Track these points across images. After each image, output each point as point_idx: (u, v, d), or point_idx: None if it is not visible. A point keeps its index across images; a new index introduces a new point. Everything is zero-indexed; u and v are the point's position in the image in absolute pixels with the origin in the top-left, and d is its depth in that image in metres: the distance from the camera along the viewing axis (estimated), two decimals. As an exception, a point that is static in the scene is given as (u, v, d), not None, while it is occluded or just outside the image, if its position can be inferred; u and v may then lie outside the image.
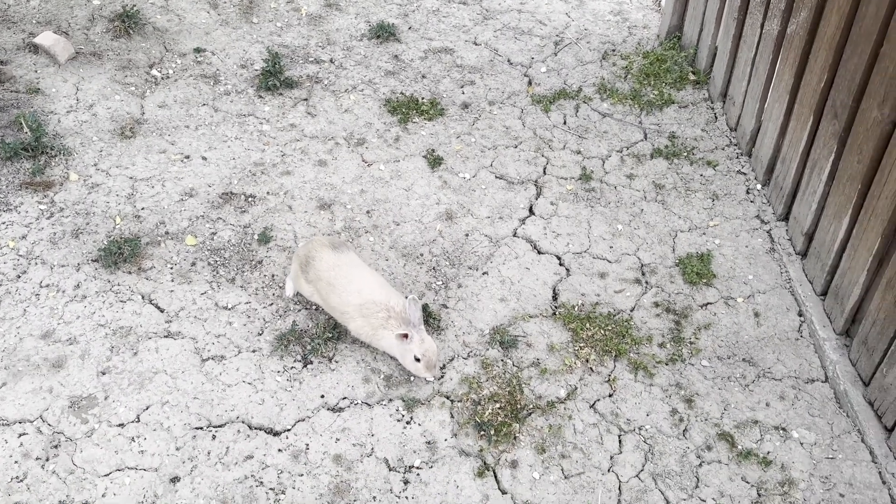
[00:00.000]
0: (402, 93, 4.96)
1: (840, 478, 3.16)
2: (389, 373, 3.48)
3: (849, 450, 3.24)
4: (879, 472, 3.15)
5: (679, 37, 5.24)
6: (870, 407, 3.29)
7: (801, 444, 3.27)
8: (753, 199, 4.31)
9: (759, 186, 4.34)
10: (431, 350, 3.31)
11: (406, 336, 3.26)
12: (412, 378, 3.47)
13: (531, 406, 3.38)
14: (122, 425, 3.24)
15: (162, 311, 3.67)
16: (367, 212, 4.23)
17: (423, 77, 5.11)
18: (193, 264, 3.89)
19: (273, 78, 4.89)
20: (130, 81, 4.88)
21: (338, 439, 3.25)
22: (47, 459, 3.12)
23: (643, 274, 3.97)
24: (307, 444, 3.22)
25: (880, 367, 3.20)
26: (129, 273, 3.81)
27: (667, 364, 3.57)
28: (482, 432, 3.26)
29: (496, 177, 4.47)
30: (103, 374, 3.41)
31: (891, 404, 3.16)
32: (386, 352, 3.48)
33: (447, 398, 3.41)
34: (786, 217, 4.11)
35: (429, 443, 3.25)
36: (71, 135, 4.48)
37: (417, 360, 3.32)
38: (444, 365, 3.52)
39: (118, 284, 3.76)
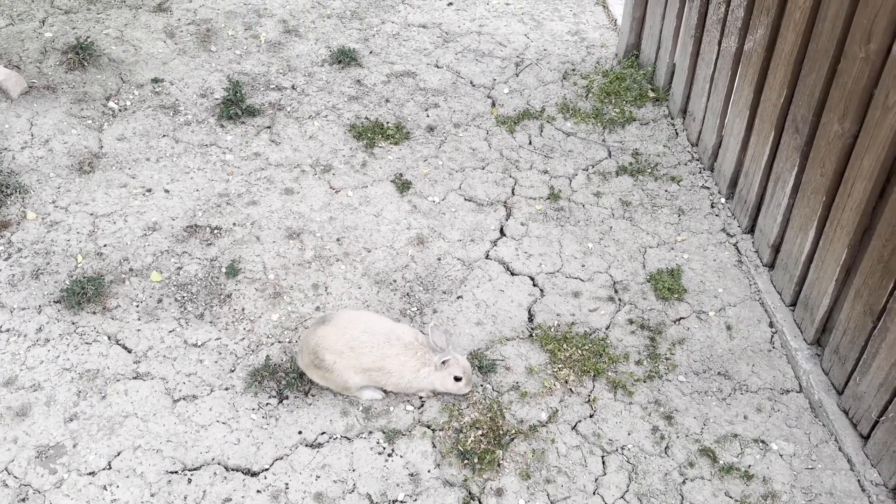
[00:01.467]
0: (366, 117, 4.93)
1: (821, 488, 3.19)
2: (368, 405, 3.43)
3: (827, 459, 3.28)
4: (858, 480, 3.20)
5: (637, 55, 5.32)
6: (845, 415, 3.34)
7: (781, 455, 3.30)
8: (718, 213, 4.38)
9: (723, 200, 4.41)
10: (467, 365, 3.38)
11: (445, 362, 3.30)
12: (391, 408, 3.42)
13: (513, 431, 3.35)
14: (92, 473, 3.12)
15: (129, 351, 3.56)
16: (338, 239, 4.18)
17: (387, 101, 5.09)
18: (160, 301, 3.79)
19: (234, 106, 4.82)
20: (87, 115, 4.76)
21: (318, 476, 3.17)
22: (14, 514, 2.99)
23: (616, 291, 3.99)
24: (287, 484, 3.15)
25: (853, 376, 3.26)
26: (94, 313, 3.69)
27: (645, 381, 3.58)
28: (466, 461, 3.22)
29: (465, 199, 4.46)
30: (71, 420, 3.29)
31: (865, 412, 3.21)
32: (423, 392, 3.42)
33: (428, 427, 3.36)
34: (751, 230, 4.18)
35: (412, 475, 3.20)
36: (27, 172, 4.35)
37: (458, 378, 3.34)
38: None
39: (83, 326, 3.64)
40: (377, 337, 3.29)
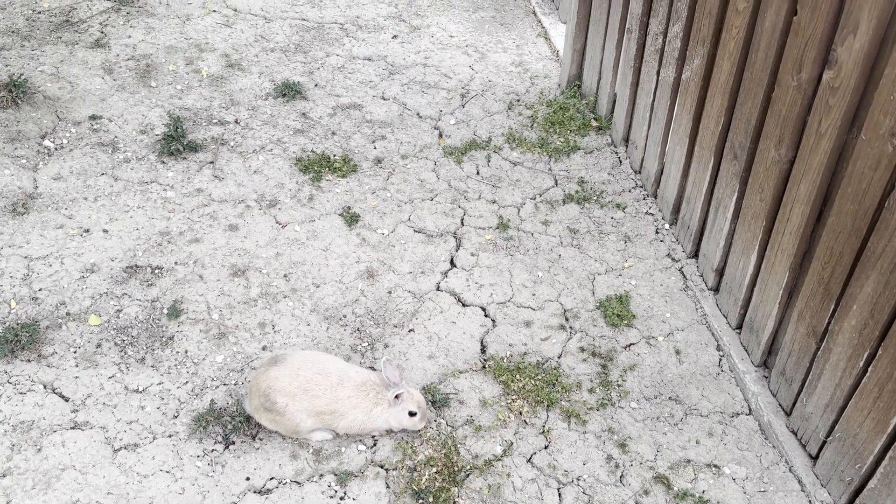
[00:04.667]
0: (312, 150, 4.89)
1: (773, 510, 3.22)
2: (318, 446, 3.34)
3: (779, 481, 3.31)
4: (809, 501, 3.23)
5: (579, 85, 5.41)
6: (794, 436, 3.39)
7: (734, 479, 3.32)
8: (663, 239, 4.44)
9: (667, 226, 4.48)
10: (421, 399, 3.32)
11: (399, 397, 3.23)
12: (343, 449, 3.33)
13: (469, 467, 3.30)
14: (26, 533, 2.96)
15: (67, 399, 3.41)
16: (285, 275, 4.10)
17: (334, 134, 5.06)
18: (99, 346, 3.65)
19: (175, 142, 4.72)
20: (21, 154, 4.61)
21: (268, 523, 3.07)
22: (-60, 581, 2.80)
23: (567, 319, 4.00)
24: (236, 532, 3.03)
25: (800, 397, 3.31)
26: (28, 361, 3.53)
27: (598, 409, 3.57)
28: (420, 500, 3.15)
29: (415, 231, 4.44)
30: (3, 476, 3.11)
31: (813, 433, 3.26)
32: (377, 431, 3.34)
33: (381, 467, 3.29)
34: (695, 254, 4.24)
35: (365, 517, 3.11)
36: (-45, 214, 4.17)
37: (413, 413, 3.27)
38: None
39: (16, 375, 3.47)
40: (331, 378, 3.22)
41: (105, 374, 3.52)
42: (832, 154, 2.96)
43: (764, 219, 3.45)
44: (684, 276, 4.21)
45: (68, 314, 3.76)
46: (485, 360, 3.77)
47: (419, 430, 3.39)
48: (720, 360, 3.82)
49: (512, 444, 3.41)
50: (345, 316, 3.93)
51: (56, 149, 4.69)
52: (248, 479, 3.19)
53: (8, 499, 3.05)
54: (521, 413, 3.53)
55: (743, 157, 3.57)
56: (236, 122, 5.07)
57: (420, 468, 3.26)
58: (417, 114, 5.29)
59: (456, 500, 3.17)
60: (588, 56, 5.22)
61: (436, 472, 3.24)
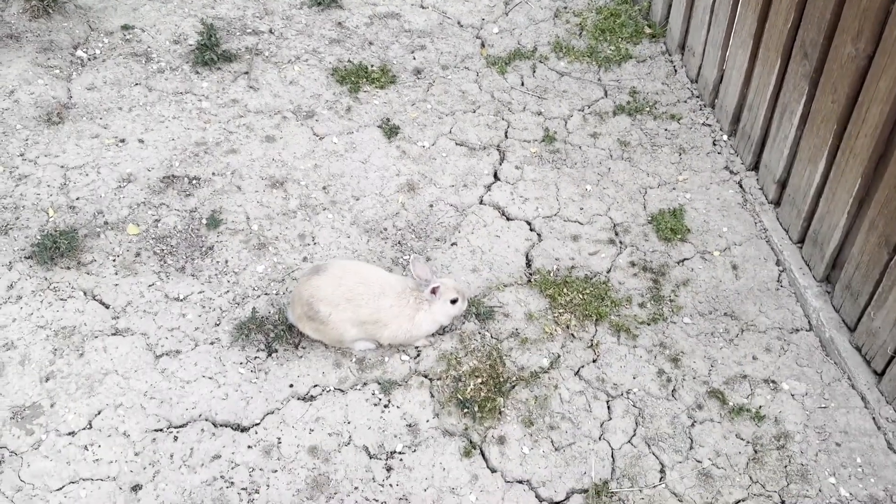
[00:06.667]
0: (349, 61, 4.69)
1: (835, 427, 3.08)
2: (361, 356, 3.27)
3: (840, 398, 3.17)
4: (873, 418, 3.09)
5: (632, -10, 5.09)
6: (857, 352, 3.22)
7: (793, 395, 3.18)
8: (721, 151, 4.20)
9: (725, 137, 4.23)
10: (456, 283, 3.26)
11: (435, 290, 3.13)
12: (386, 359, 3.26)
13: (514, 378, 3.21)
14: (72, 433, 2.96)
15: (107, 307, 3.37)
16: (324, 187, 3.97)
17: (371, 44, 4.85)
18: (138, 255, 3.59)
19: (209, 52, 4.56)
20: (54, 64, 4.49)
21: (312, 430, 3.02)
22: (-10, 478, 2.83)
23: (616, 234, 3.83)
24: (279, 438, 2.99)
25: (867, 312, 3.13)
26: (68, 268, 3.49)
27: (649, 324, 3.44)
28: (465, 410, 3.08)
29: (457, 143, 4.26)
30: (47, 379, 3.11)
31: (880, 348, 3.08)
32: (425, 336, 3.26)
33: (425, 377, 3.21)
34: (755, 166, 4.01)
35: (410, 426, 3.05)
36: (-10, 124, 4.10)
37: (454, 301, 3.20)
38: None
39: (56, 282, 3.44)
40: (373, 288, 3.12)
41: (145, 283, 3.48)
42: (921, 44, 2.69)
43: (835, 122, 3.21)
44: (743, 189, 3.98)
45: (106, 223, 3.70)
46: (530, 274, 3.63)
47: (464, 314, 3.33)
48: (779, 275, 3.63)
49: (559, 357, 3.30)
50: (385, 229, 3.81)
51: (89, 59, 4.57)
52: (291, 385, 3.15)
53: (52, 401, 3.05)
54: (568, 327, 3.41)
55: (814, 55, 3.30)
56: (270, 31, 4.88)
57: (465, 378, 3.18)
58: (458, 22, 5.04)
59: (502, 409, 3.09)
60: (641, -42, 4.89)
61: (481, 383, 3.16)
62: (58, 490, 2.81)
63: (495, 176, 4.10)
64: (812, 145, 3.41)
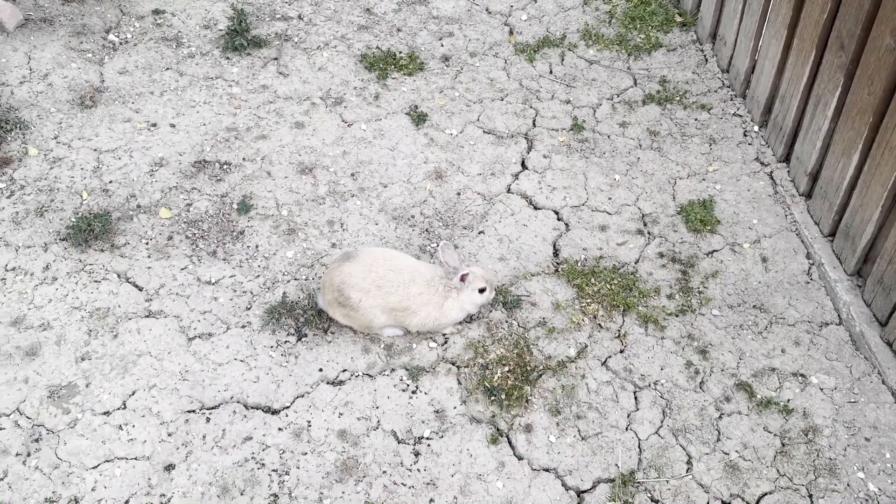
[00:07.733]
0: (377, 47, 4.70)
1: (864, 421, 3.07)
2: (390, 342, 3.30)
3: (870, 392, 3.15)
4: (903, 413, 3.07)
5: (663, -22, 5.03)
6: (888, 347, 3.20)
7: (822, 389, 3.17)
8: (751, 142, 4.17)
9: (756, 128, 4.20)
10: (484, 272, 3.26)
11: (464, 278, 3.14)
12: (414, 346, 3.29)
13: (541, 367, 3.22)
14: (107, 413, 3.02)
15: (140, 289, 3.43)
16: (352, 174, 4.00)
17: (399, 30, 4.85)
18: (170, 238, 3.64)
19: (239, 37, 4.59)
20: (87, 48, 4.54)
21: (341, 414, 3.06)
22: (28, 455, 2.89)
23: (645, 224, 3.82)
24: (309, 421, 3.04)
25: (899, 306, 3.11)
26: (102, 251, 3.55)
27: (677, 315, 3.43)
28: (493, 397, 3.10)
29: (484, 131, 4.26)
30: (82, 360, 3.17)
31: (911, 343, 3.06)
32: (453, 324, 3.28)
33: (453, 364, 3.23)
34: (787, 158, 3.97)
35: (437, 412, 3.08)
36: (26, 107, 4.16)
37: (482, 290, 3.21)
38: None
39: (91, 264, 3.50)
40: (403, 275, 3.14)
41: (177, 266, 3.52)
42: (964, 36, 2.65)
43: (871, 114, 3.17)
44: (774, 181, 3.95)
45: (139, 206, 3.75)
46: (557, 264, 3.64)
47: (491, 303, 3.35)
48: (809, 268, 3.61)
49: (586, 346, 3.31)
50: (413, 216, 3.82)
51: (121, 43, 4.61)
52: (320, 370, 3.19)
53: (87, 381, 3.11)
54: (595, 317, 3.42)
55: (851, 46, 3.26)
56: (300, 17, 4.89)
57: (492, 366, 3.20)
58: (486, 9, 5.02)
59: (529, 398, 3.11)
60: (674, -55, 4.83)
61: (508, 371, 3.18)
62: (93, 468, 2.88)
63: (523, 164, 4.10)
64: (846, 138, 3.37)
